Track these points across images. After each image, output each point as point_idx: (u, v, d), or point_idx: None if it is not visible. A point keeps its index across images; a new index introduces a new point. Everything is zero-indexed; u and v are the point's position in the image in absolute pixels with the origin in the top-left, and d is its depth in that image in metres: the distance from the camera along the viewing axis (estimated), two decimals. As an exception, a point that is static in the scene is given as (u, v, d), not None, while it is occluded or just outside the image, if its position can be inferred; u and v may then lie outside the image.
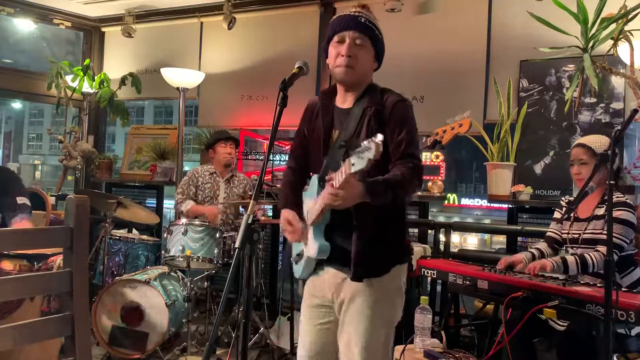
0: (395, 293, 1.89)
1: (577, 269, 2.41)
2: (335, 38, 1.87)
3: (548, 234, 2.78)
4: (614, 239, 2.39)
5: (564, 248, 2.70)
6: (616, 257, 2.40)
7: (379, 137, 1.44)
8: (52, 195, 4.85)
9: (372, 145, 1.45)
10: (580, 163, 2.61)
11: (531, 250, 2.74)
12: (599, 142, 2.58)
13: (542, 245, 2.75)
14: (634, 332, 2.33)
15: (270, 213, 4.65)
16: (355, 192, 1.64)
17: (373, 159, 1.45)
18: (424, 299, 2.54)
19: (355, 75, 1.86)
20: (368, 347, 1.80)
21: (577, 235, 2.60)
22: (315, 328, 1.95)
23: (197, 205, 3.97)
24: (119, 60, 5.79)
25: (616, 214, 2.42)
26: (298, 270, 2.00)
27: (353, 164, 1.50)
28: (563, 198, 2.84)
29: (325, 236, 1.85)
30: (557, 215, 2.78)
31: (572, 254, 2.51)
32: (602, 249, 2.42)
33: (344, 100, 1.93)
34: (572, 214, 2.66)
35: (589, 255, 2.41)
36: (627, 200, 2.50)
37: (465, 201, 23.34)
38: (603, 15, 2.94)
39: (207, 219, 3.79)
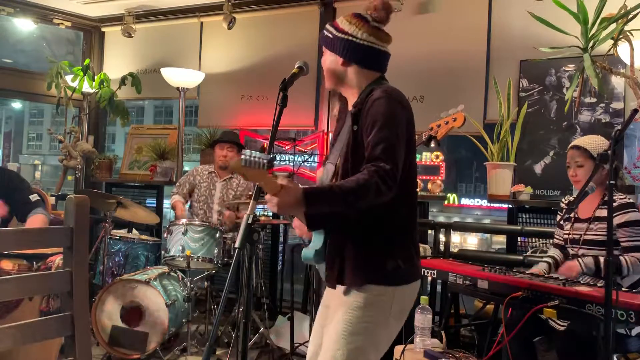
0: (365, 315, 1.70)
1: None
2: None
3: (554, 241, 2.78)
4: (633, 242, 2.41)
5: (566, 249, 2.70)
6: None
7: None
8: (52, 195, 4.85)
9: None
10: (576, 165, 2.61)
11: (546, 260, 2.72)
12: (594, 143, 2.58)
13: (554, 251, 2.75)
14: (634, 332, 2.33)
15: (270, 213, 4.65)
16: (289, 199, 1.54)
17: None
18: (424, 299, 2.54)
19: (326, 78, 1.92)
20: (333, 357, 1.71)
21: (577, 236, 2.60)
22: (317, 327, 1.94)
23: (177, 205, 4.09)
24: (119, 60, 5.79)
25: (626, 216, 2.42)
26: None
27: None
28: (563, 199, 2.83)
29: (325, 239, 1.81)
30: (559, 218, 2.77)
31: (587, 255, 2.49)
32: (633, 255, 2.41)
33: (349, 105, 1.93)
34: (572, 215, 2.66)
35: (624, 258, 2.40)
36: (631, 200, 2.50)
37: (465, 201, 23.33)
38: (603, 15, 2.94)
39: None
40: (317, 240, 1.81)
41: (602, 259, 2.42)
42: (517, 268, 2.60)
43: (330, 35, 1.85)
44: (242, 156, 1.43)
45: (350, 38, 1.81)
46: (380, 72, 1.88)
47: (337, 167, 1.82)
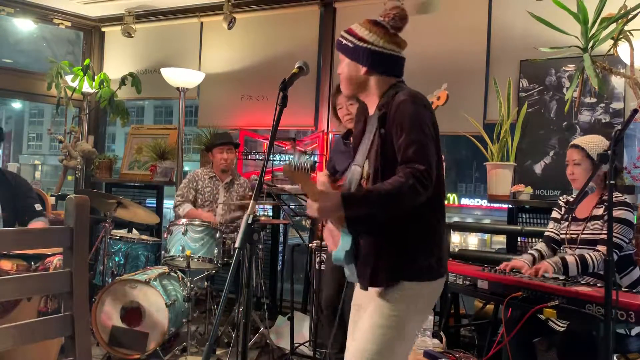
0: (395, 309, 1.75)
1: (578, 269, 2.40)
2: None
3: (546, 233, 2.78)
4: (613, 238, 2.40)
5: (562, 248, 2.70)
6: (616, 257, 2.40)
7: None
8: (52, 195, 4.85)
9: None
10: (573, 164, 2.62)
11: (530, 252, 2.73)
12: (591, 142, 2.59)
13: (541, 245, 2.75)
14: (634, 332, 2.33)
15: (270, 213, 4.65)
16: (329, 204, 1.61)
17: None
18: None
19: (344, 86, 1.93)
20: (358, 351, 1.77)
21: (575, 236, 2.60)
22: (351, 325, 1.96)
23: (195, 209, 3.97)
24: (119, 60, 5.79)
25: (615, 213, 2.42)
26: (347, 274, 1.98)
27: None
28: (561, 197, 2.84)
29: (354, 240, 1.83)
30: (555, 214, 2.78)
31: (571, 254, 2.51)
32: (602, 248, 2.42)
33: (370, 108, 1.95)
34: (570, 214, 2.67)
35: (589, 255, 2.41)
36: (626, 199, 2.50)
37: (465, 201, 23.34)
38: (603, 15, 2.94)
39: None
40: (345, 241, 1.83)
41: (568, 259, 2.43)
42: (517, 268, 2.59)
43: (350, 44, 1.86)
44: (291, 162, 1.50)
45: (373, 47, 1.84)
46: (399, 77, 1.91)
47: (364, 170, 1.85)
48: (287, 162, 1.55)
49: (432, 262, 1.77)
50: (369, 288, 1.81)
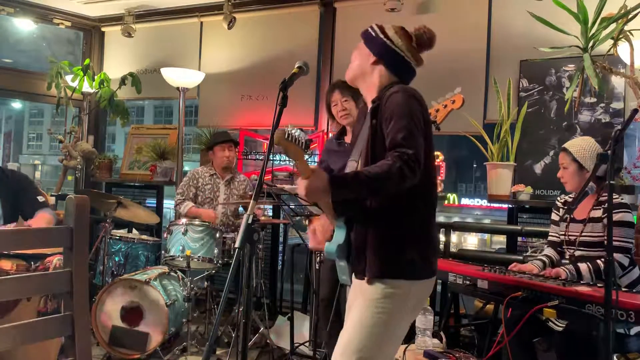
0: (381, 306, 1.74)
1: (591, 277, 2.39)
2: None
3: (550, 238, 2.77)
4: (620, 243, 2.40)
5: (562, 249, 2.70)
6: (628, 261, 2.41)
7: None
8: (52, 195, 4.85)
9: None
10: (562, 167, 2.64)
11: (540, 258, 2.72)
12: (578, 146, 2.60)
13: (549, 251, 2.74)
14: (633, 331, 2.33)
15: (270, 213, 4.65)
16: (318, 184, 1.60)
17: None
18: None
19: (349, 72, 1.96)
20: (344, 345, 1.78)
21: (574, 237, 2.60)
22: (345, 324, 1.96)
23: (196, 207, 3.97)
24: (119, 60, 5.79)
25: (616, 217, 2.42)
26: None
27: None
28: (559, 198, 2.84)
29: (347, 234, 1.84)
30: (554, 217, 2.77)
31: (584, 263, 2.48)
32: (616, 256, 2.40)
33: (368, 103, 1.97)
34: (569, 215, 2.67)
35: (601, 263, 2.40)
36: (623, 200, 2.51)
37: (465, 201, 23.35)
38: (603, 15, 2.94)
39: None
40: (339, 235, 1.85)
41: (581, 266, 2.43)
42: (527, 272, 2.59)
43: (373, 33, 1.93)
44: (286, 129, 1.50)
45: (390, 43, 1.90)
46: (401, 79, 1.93)
47: (359, 164, 1.87)
48: (283, 131, 1.54)
49: (421, 260, 1.78)
50: (359, 285, 1.82)
